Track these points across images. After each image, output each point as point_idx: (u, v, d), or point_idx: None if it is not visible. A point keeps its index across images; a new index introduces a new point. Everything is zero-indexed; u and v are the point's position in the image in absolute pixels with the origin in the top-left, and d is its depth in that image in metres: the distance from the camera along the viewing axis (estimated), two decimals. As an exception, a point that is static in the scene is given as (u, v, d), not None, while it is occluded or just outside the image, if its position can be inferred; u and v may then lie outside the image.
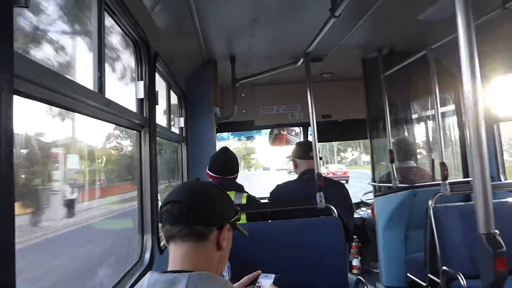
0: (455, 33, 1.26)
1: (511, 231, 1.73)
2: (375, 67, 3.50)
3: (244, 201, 2.49)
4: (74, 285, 1.72)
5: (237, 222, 1.18)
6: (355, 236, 3.97)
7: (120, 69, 2.10)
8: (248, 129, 5.44)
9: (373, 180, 3.72)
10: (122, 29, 1.84)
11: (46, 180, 1.55)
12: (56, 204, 1.62)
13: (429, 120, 3.77)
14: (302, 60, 3.00)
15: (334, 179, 3.12)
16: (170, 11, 2.27)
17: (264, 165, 58.03)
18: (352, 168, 41.15)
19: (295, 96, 4.43)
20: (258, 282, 1.57)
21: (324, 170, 27.24)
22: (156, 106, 2.14)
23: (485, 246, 1.20)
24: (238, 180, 2.70)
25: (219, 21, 2.58)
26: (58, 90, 1.09)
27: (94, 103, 1.37)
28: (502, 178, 3.36)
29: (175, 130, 3.30)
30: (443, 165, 2.82)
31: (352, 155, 51.78)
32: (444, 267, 2.43)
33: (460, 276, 2.24)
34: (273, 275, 1.60)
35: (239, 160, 2.73)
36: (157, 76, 2.25)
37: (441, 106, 3.04)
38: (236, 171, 2.60)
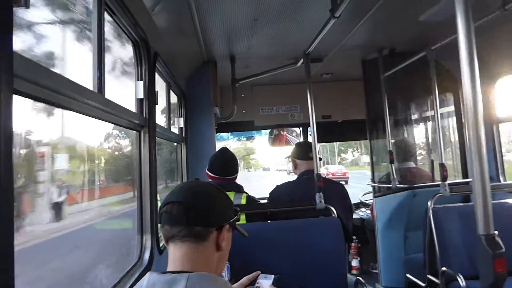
0: (455, 34, 1.26)
1: (510, 232, 1.73)
2: (375, 67, 3.50)
3: (243, 201, 2.49)
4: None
5: (237, 223, 1.18)
6: (354, 237, 3.97)
7: (120, 69, 2.10)
8: (248, 130, 5.45)
9: (373, 180, 3.72)
10: (122, 29, 1.84)
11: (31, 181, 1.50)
12: (42, 207, 1.57)
13: (429, 121, 3.78)
14: (302, 60, 3.00)
15: (334, 179, 3.13)
16: (170, 11, 2.27)
17: (264, 165, 58.03)
18: (353, 169, 41.18)
19: (295, 96, 4.43)
20: (258, 283, 1.57)
21: (324, 171, 27.24)
22: (156, 106, 2.14)
23: (484, 247, 1.20)
24: (238, 181, 2.70)
25: (219, 21, 2.58)
26: (57, 90, 1.09)
27: (94, 103, 1.37)
28: (501, 179, 3.36)
29: (175, 130, 3.30)
30: (442, 166, 2.82)
31: (353, 156, 51.75)
32: (444, 268, 2.43)
33: (460, 277, 2.24)
34: (272, 276, 1.60)
35: (238, 160, 2.73)
36: (156, 76, 2.25)
37: (440, 107, 3.05)
38: (235, 171, 2.60)
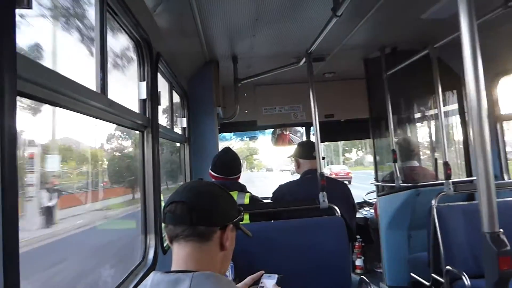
0: (458, 32, 1.26)
1: None
2: (377, 66, 3.49)
3: (246, 201, 2.49)
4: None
5: (240, 222, 1.18)
6: (358, 236, 3.97)
7: (123, 69, 2.10)
8: (251, 129, 5.44)
9: (376, 179, 3.71)
10: (124, 30, 1.85)
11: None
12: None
13: (432, 119, 3.76)
14: (304, 60, 3.00)
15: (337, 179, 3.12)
16: (172, 12, 2.27)
17: (267, 166, 57.89)
18: (357, 169, 41.01)
19: (298, 96, 4.43)
20: (261, 282, 1.57)
21: (327, 171, 27.22)
22: (159, 106, 2.15)
23: (489, 245, 1.20)
24: (241, 182, 2.70)
25: (220, 21, 2.58)
26: (60, 91, 1.10)
27: (97, 104, 1.37)
28: (505, 177, 3.35)
29: (178, 130, 3.30)
30: (446, 164, 2.81)
31: (358, 155, 51.50)
32: (448, 267, 2.42)
33: (464, 275, 2.23)
34: (276, 275, 1.60)
35: (241, 161, 2.72)
36: (159, 76, 2.25)
37: (444, 105, 3.03)
38: (238, 171, 2.60)
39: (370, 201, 4.83)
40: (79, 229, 2.19)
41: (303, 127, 4.96)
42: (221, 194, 1.13)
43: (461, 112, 3.61)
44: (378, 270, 3.93)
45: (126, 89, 2.09)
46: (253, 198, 2.54)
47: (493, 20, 2.32)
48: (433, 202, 2.65)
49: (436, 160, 3.53)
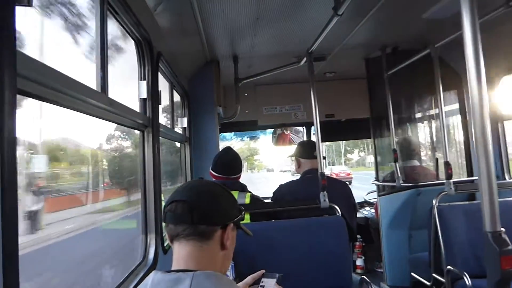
0: (460, 31, 1.25)
1: None
2: (378, 66, 3.48)
3: (247, 200, 2.49)
4: None
5: (241, 222, 1.18)
6: (358, 236, 3.96)
7: (123, 68, 2.09)
8: (252, 129, 5.44)
9: (377, 179, 3.71)
10: (125, 29, 1.84)
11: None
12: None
13: (433, 119, 3.75)
14: (305, 59, 2.99)
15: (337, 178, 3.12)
16: (172, 11, 2.27)
17: (268, 166, 57.76)
18: (358, 169, 40.92)
19: (298, 95, 4.42)
20: (262, 282, 1.56)
21: (328, 171, 27.27)
22: (159, 106, 2.14)
23: (491, 244, 1.19)
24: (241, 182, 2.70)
25: (221, 20, 2.58)
26: (61, 90, 1.09)
27: (97, 103, 1.36)
28: (506, 177, 3.34)
29: (178, 130, 3.30)
30: (447, 164, 2.80)
31: (359, 156, 51.32)
32: (449, 267, 2.42)
33: (465, 275, 2.22)
34: (277, 274, 1.59)
35: (242, 161, 2.72)
36: (159, 75, 2.25)
37: (445, 105, 3.03)
38: (239, 170, 2.60)
39: (371, 200, 4.83)
40: (67, 235, 2.15)
41: (304, 127, 4.96)
42: (222, 194, 1.13)
43: (462, 111, 3.60)
44: (379, 270, 3.92)
45: (126, 89, 2.08)
46: (253, 198, 2.54)
47: (494, 19, 2.31)
48: (434, 202, 2.65)
49: (437, 159, 3.53)
